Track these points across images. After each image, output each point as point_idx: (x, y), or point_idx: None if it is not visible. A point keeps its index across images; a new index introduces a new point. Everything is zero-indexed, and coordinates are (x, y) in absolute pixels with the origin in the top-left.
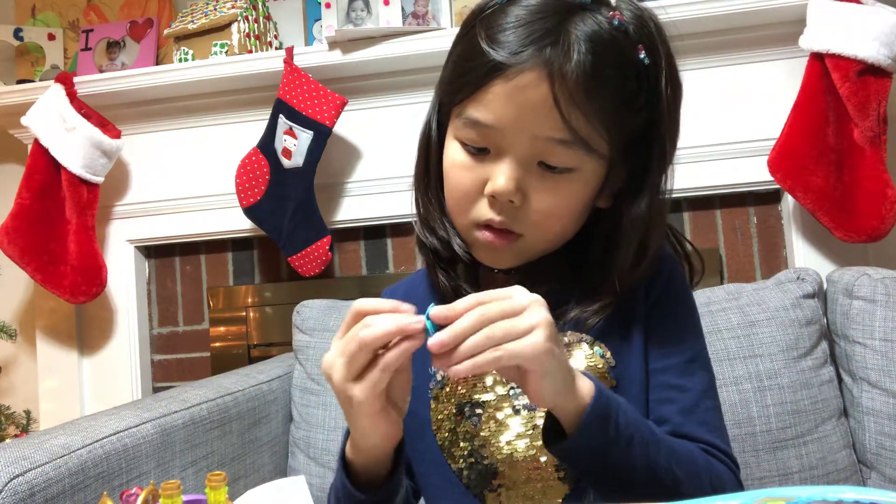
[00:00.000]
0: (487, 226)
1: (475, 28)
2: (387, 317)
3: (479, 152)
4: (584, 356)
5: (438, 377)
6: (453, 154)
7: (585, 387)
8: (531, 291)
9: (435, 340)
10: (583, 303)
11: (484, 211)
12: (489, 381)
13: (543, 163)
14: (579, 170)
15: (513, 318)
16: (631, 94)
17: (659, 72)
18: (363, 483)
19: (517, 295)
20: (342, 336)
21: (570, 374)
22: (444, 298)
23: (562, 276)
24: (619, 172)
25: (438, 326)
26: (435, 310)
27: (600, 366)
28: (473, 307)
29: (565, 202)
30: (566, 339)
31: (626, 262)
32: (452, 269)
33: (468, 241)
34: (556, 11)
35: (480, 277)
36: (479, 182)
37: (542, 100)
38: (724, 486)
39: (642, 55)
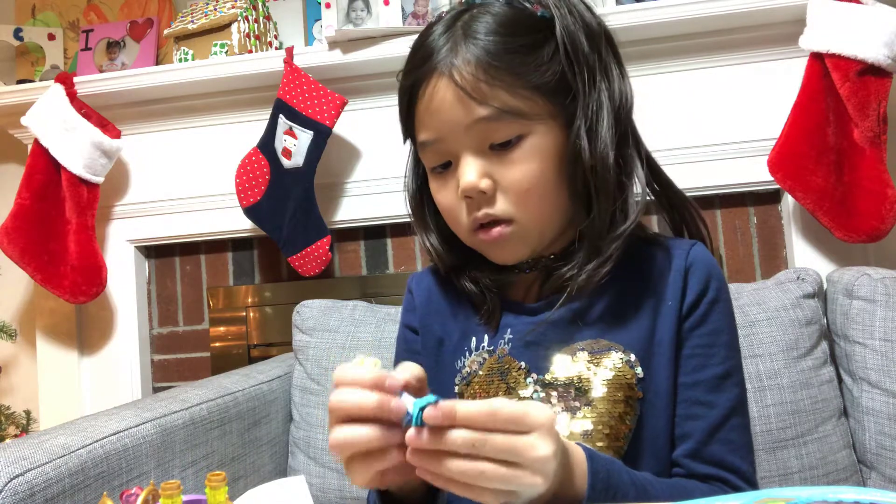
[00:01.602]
0: (480, 228)
1: (401, 71)
2: (364, 396)
3: (445, 169)
4: (612, 365)
5: (465, 372)
6: (432, 184)
7: (579, 484)
8: (555, 292)
9: (415, 442)
10: (580, 271)
11: (469, 214)
12: (519, 381)
13: (494, 145)
14: (530, 135)
15: (515, 468)
16: (533, 48)
17: (557, 19)
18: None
19: (530, 442)
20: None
21: (565, 477)
22: (470, 298)
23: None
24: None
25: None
26: (430, 413)
27: (628, 376)
28: (477, 423)
29: (531, 168)
30: (595, 347)
31: (577, 209)
32: (479, 277)
33: (478, 250)
34: (447, 22)
35: (509, 281)
36: (454, 191)
37: (452, 95)
38: None
39: (540, 12)
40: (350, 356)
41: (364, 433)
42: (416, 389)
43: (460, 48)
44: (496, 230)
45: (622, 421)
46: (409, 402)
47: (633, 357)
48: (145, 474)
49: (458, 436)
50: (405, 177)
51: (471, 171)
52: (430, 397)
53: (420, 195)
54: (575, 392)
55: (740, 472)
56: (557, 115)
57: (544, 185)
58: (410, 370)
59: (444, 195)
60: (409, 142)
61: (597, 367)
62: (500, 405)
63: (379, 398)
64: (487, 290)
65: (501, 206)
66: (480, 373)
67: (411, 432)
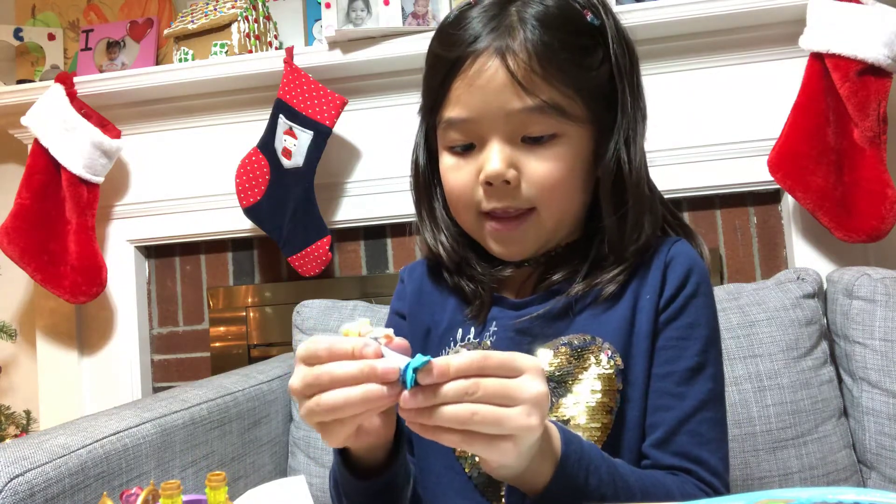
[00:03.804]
0: (492, 217)
1: (432, 45)
2: (353, 367)
3: (466, 150)
4: (594, 359)
5: (448, 348)
6: (445, 161)
7: (549, 458)
8: (545, 291)
9: (410, 403)
10: (591, 276)
11: (483, 201)
12: None
13: (527, 137)
14: (563, 135)
15: (507, 407)
16: (586, 51)
17: (608, 29)
18: (363, 467)
19: (521, 382)
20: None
21: (542, 447)
22: (462, 292)
23: (576, 268)
24: (607, 136)
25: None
26: (425, 378)
27: (609, 369)
28: (470, 372)
29: (558, 166)
30: (577, 342)
31: (609, 217)
32: (476, 275)
33: (479, 238)
34: (496, 4)
35: (502, 276)
36: (473, 174)
37: (501, 78)
38: None
39: (590, 18)
40: None
41: (360, 393)
42: (398, 346)
43: (517, 32)
44: (511, 225)
45: (602, 413)
46: (396, 360)
47: (613, 350)
48: (145, 474)
49: (450, 387)
50: (413, 153)
51: (499, 158)
52: (421, 357)
53: (428, 173)
54: (556, 385)
55: (707, 465)
56: (593, 122)
57: (568, 184)
58: (390, 333)
59: (458, 176)
60: (420, 117)
61: (578, 361)
62: (490, 353)
63: (368, 367)
64: (482, 287)
65: (523, 200)
66: None
67: (406, 395)
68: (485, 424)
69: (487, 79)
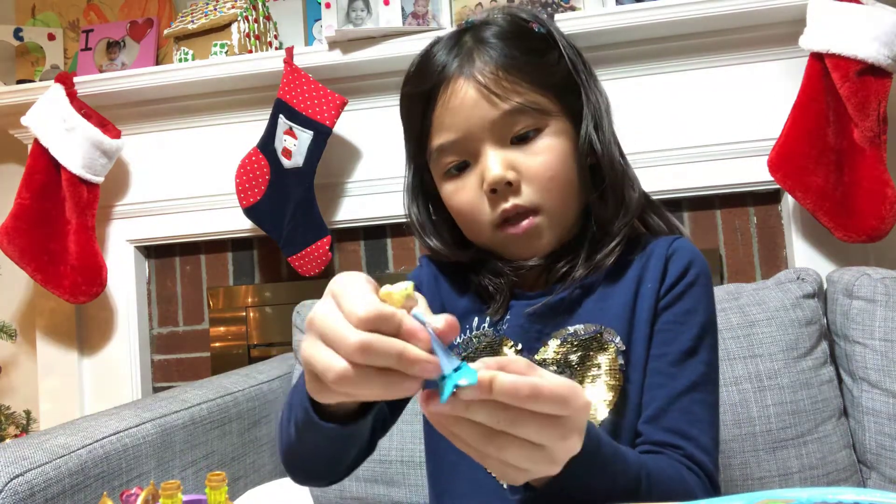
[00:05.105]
0: (506, 223)
1: (403, 90)
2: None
3: (461, 170)
4: (599, 346)
5: (461, 348)
6: (446, 189)
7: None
8: (556, 282)
9: (436, 409)
10: (590, 258)
11: (493, 209)
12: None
13: (514, 138)
14: (546, 127)
15: (539, 450)
16: (542, 53)
17: (555, 33)
18: (331, 409)
19: (564, 431)
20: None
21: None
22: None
23: (578, 254)
24: (580, 124)
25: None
26: (468, 394)
27: (612, 355)
28: (517, 399)
29: (551, 156)
30: (584, 331)
31: (591, 194)
32: (500, 271)
33: (499, 247)
34: (451, 38)
35: (519, 274)
36: (475, 189)
37: (475, 93)
38: (696, 495)
39: (536, 28)
40: None
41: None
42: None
43: (476, 54)
44: (525, 222)
45: (604, 390)
46: (440, 358)
47: (617, 338)
48: (145, 474)
49: (487, 412)
50: (404, 203)
51: (496, 163)
52: (470, 372)
53: (427, 218)
54: (561, 369)
55: (696, 441)
56: (567, 112)
57: (565, 172)
58: (445, 320)
59: (463, 195)
60: (408, 163)
61: (585, 350)
62: (543, 386)
63: (428, 362)
64: (506, 282)
65: (528, 196)
66: (477, 348)
67: (442, 400)
68: (510, 460)
69: (462, 98)
